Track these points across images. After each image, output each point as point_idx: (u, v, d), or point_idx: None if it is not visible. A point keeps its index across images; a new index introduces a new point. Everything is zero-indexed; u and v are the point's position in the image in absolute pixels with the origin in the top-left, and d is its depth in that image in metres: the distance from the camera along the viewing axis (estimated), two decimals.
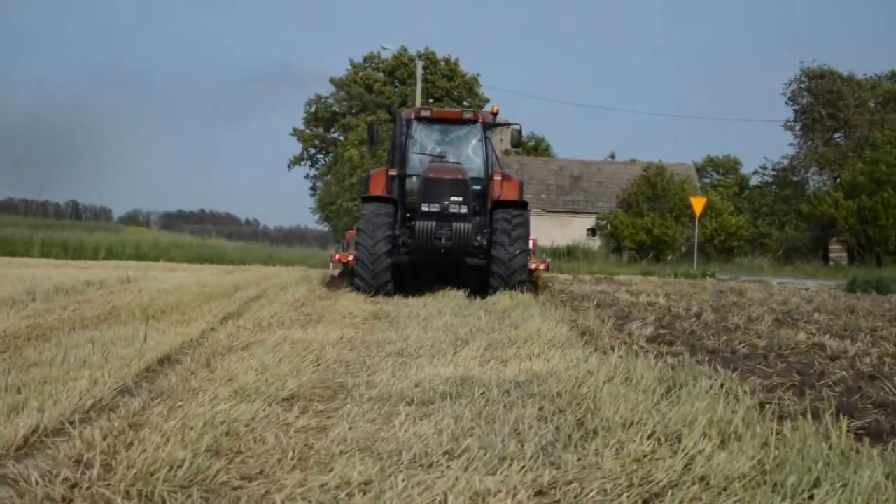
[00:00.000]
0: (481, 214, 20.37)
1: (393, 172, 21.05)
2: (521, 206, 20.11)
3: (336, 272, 23.18)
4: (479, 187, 20.68)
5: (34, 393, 7.21)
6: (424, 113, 21.71)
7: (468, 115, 21.80)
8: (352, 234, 22.35)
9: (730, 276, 38.31)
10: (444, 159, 20.94)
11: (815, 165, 64.40)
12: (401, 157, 21.16)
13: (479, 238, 19.80)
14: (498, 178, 21.03)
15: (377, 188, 21.20)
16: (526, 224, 19.63)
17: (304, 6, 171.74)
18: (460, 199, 19.50)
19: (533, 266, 20.36)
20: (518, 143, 21.61)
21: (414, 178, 20.67)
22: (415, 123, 21.43)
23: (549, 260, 23.23)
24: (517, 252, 19.23)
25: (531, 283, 20.31)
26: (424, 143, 21.48)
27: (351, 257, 20.08)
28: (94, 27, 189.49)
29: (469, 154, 21.47)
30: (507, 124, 21.81)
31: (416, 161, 21.09)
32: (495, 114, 21.77)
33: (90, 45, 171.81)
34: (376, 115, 54.87)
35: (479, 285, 19.59)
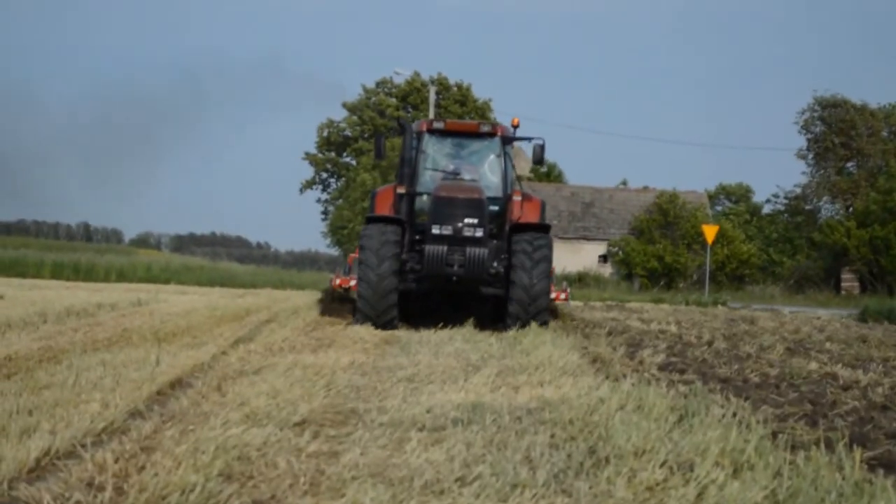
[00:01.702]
0: (499, 238, 18.60)
1: (401, 190, 19.26)
2: (544, 229, 18.33)
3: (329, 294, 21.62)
4: (496, 208, 18.73)
5: (46, 415, 7.22)
6: (437, 125, 19.65)
7: (485, 128, 19.75)
8: (354, 256, 20.80)
9: (741, 305, 38.22)
10: (458, 177, 19.12)
11: (828, 194, 64.24)
12: (410, 173, 19.15)
13: (495, 265, 18.05)
14: (518, 198, 19.28)
15: (384, 207, 19.40)
16: (548, 250, 17.71)
17: (330, 29, 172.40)
18: (475, 221, 17.60)
19: (552, 295, 18.73)
20: (541, 159, 19.71)
21: (424, 197, 18.76)
22: (426, 136, 19.43)
23: (569, 289, 21.51)
24: (539, 282, 17.39)
25: (551, 312, 18.85)
26: (437, 159, 19.52)
27: (353, 283, 18.68)
28: (96, 34, 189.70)
29: (485, 171, 19.48)
30: (530, 139, 19.72)
31: (427, 178, 19.15)
32: (516, 127, 19.80)
33: (98, 57, 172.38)
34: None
35: (496, 317, 18.14)
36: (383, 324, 17.02)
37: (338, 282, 20.42)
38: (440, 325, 16.88)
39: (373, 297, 17.16)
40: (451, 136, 19.87)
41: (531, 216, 19.26)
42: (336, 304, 20.97)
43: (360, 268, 17.63)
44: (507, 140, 19.59)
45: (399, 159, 20.33)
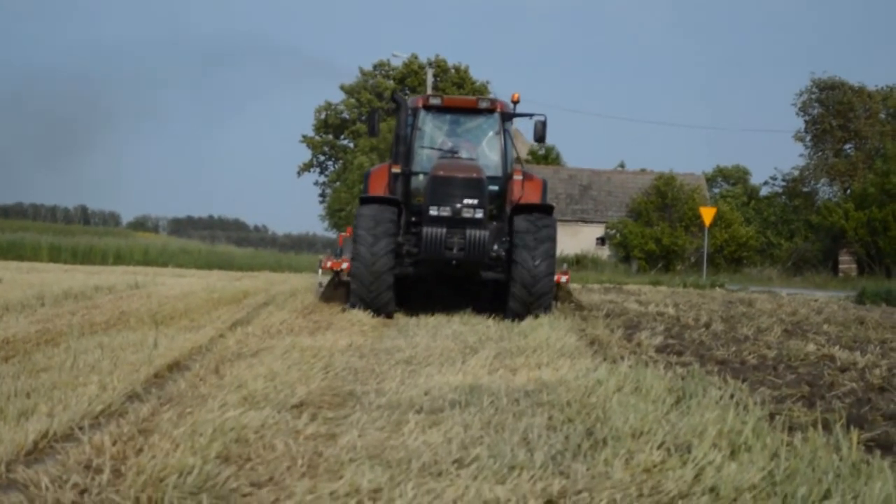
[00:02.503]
0: (499, 220, 17.80)
1: (396, 169, 18.18)
2: (546, 210, 17.29)
3: (324, 280, 20.28)
4: (496, 188, 17.84)
5: (44, 398, 7.22)
6: (434, 101, 18.60)
7: (484, 104, 18.58)
8: (344, 236, 20.01)
9: (739, 287, 38.23)
10: (456, 155, 18.16)
11: (826, 176, 64.31)
12: (406, 151, 18.18)
13: (496, 248, 17.23)
14: (518, 177, 18.32)
15: (378, 187, 18.41)
16: (552, 232, 16.79)
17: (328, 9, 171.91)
18: (475, 201, 16.70)
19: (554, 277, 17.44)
20: (542, 136, 18.44)
21: (421, 177, 17.79)
22: (422, 113, 18.37)
23: (569, 271, 20.53)
24: (542, 266, 16.43)
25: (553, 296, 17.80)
26: (433, 136, 18.55)
27: (345, 265, 17.83)
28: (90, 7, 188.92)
29: (484, 149, 18.54)
30: (531, 115, 18.57)
31: (424, 157, 18.16)
32: (516, 102, 18.64)
33: (91, 33, 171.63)
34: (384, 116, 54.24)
35: (497, 302, 17.13)
36: (378, 309, 16.28)
37: (328, 264, 19.21)
38: (438, 309, 16.74)
39: (368, 282, 16.36)
40: (449, 112, 18.89)
41: (533, 196, 18.39)
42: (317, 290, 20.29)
43: (354, 251, 16.71)
44: (507, 116, 18.62)
45: (394, 137, 19.37)
